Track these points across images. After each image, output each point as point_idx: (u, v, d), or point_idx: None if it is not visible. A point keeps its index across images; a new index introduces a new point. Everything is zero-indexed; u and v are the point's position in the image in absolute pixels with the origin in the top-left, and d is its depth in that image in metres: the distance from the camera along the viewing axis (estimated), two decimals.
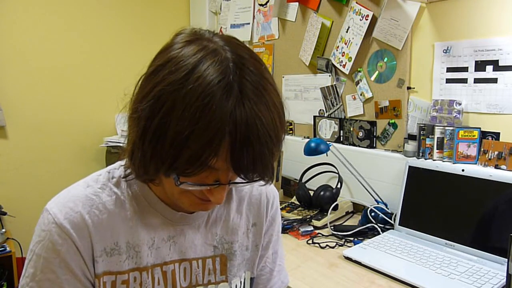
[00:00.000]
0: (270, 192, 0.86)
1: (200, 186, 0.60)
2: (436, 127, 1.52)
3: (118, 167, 0.72)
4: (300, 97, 2.18)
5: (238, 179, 0.60)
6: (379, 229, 1.51)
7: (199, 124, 0.53)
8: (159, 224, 0.72)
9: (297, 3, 2.11)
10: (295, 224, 1.62)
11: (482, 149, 1.43)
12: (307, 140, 1.79)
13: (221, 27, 2.67)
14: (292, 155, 2.05)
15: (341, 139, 1.94)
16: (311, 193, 1.77)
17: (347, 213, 1.76)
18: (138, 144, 0.59)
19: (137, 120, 0.58)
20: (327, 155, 1.72)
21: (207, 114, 0.53)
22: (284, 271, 0.92)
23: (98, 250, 0.67)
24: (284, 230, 1.58)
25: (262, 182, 0.62)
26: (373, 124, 1.80)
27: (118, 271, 0.68)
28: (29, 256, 0.67)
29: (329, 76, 1.99)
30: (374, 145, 1.81)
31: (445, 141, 1.50)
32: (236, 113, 0.54)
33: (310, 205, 1.76)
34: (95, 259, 0.67)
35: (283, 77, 2.26)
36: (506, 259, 1.01)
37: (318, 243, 1.48)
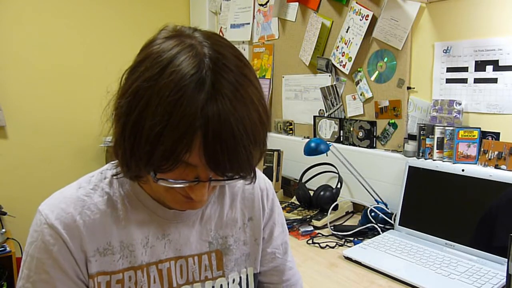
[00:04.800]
0: (263, 184, 0.86)
1: (178, 183, 0.59)
2: (436, 127, 1.52)
3: (110, 167, 0.72)
4: (300, 97, 2.17)
5: (220, 177, 0.60)
6: (379, 229, 1.51)
7: (171, 119, 0.53)
8: (152, 222, 0.72)
9: (297, 3, 2.11)
10: (295, 224, 1.62)
11: (482, 149, 1.43)
12: (307, 140, 1.79)
13: (221, 27, 2.67)
14: (292, 155, 2.05)
15: (341, 139, 1.94)
16: (311, 193, 1.77)
17: (347, 213, 1.76)
18: (119, 141, 0.59)
19: (117, 117, 0.59)
20: (327, 155, 1.72)
21: (179, 108, 0.53)
22: (295, 266, 0.92)
23: (90, 251, 0.67)
24: None
25: (244, 181, 0.62)
26: (373, 124, 1.80)
27: (112, 271, 0.68)
28: (23, 258, 0.68)
29: (329, 76, 1.99)
30: (374, 145, 1.81)
31: (445, 141, 1.50)
32: (208, 108, 0.53)
33: (310, 205, 1.76)
34: (88, 259, 0.67)
35: (283, 77, 2.26)
36: (506, 259, 1.01)
37: (318, 243, 1.48)
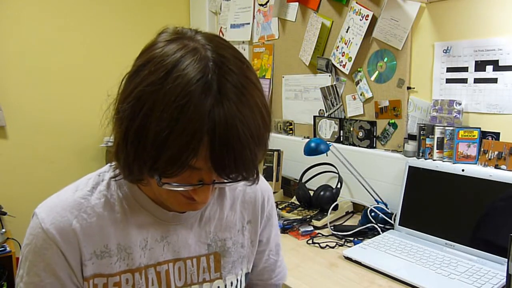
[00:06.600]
0: (265, 189, 0.86)
1: (183, 187, 0.59)
2: (436, 127, 1.52)
3: (108, 170, 0.72)
4: (300, 97, 2.17)
5: (224, 179, 0.60)
6: (379, 229, 1.51)
7: (178, 124, 0.52)
8: (151, 225, 0.71)
9: (297, 3, 2.11)
10: (295, 224, 1.61)
11: (482, 149, 1.43)
12: (307, 140, 1.79)
13: (221, 27, 2.67)
14: (292, 155, 2.05)
15: (341, 139, 1.94)
16: (311, 193, 1.77)
17: (347, 213, 1.76)
18: (121, 145, 0.58)
19: (119, 121, 0.58)
20: (327, 155, 1.72)
21: (185, 114, 0.52)
22: (284, 261, 0.95)
23: (87, 254, 0.66)
24: (284, 230, 1.58)
25: (247, 182, 0.62)
26: (373, 124, 1.80)
27: (109, 273, 0.68)
28: (20, 258, 0.68)
29: (329, 76, 1.99)
30: (374, 145, 1.81)
31: (445, 141, 1.50)
32: (214, 112, 0.53)
33: (310, 205, 1.76)
34: (83, 263, 0.66)
35: (283, 77, 2.26)
36: (506, 259, 1.01)
37: (318, 243, 1.48)
